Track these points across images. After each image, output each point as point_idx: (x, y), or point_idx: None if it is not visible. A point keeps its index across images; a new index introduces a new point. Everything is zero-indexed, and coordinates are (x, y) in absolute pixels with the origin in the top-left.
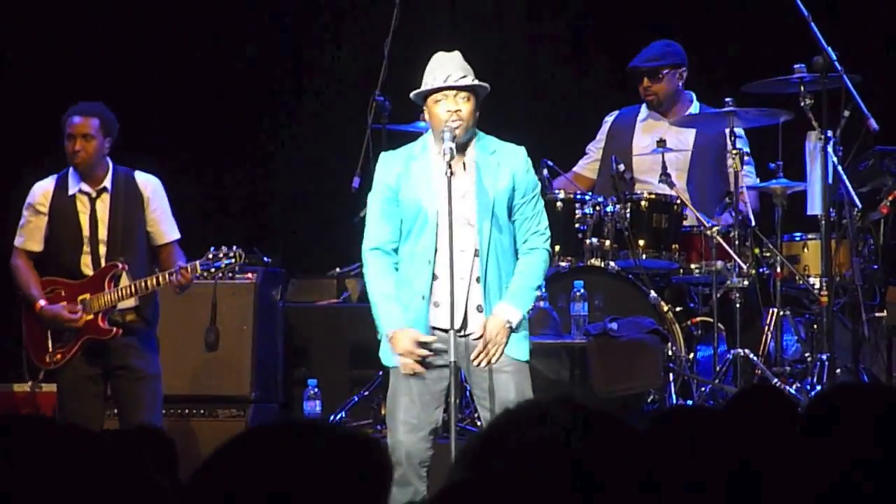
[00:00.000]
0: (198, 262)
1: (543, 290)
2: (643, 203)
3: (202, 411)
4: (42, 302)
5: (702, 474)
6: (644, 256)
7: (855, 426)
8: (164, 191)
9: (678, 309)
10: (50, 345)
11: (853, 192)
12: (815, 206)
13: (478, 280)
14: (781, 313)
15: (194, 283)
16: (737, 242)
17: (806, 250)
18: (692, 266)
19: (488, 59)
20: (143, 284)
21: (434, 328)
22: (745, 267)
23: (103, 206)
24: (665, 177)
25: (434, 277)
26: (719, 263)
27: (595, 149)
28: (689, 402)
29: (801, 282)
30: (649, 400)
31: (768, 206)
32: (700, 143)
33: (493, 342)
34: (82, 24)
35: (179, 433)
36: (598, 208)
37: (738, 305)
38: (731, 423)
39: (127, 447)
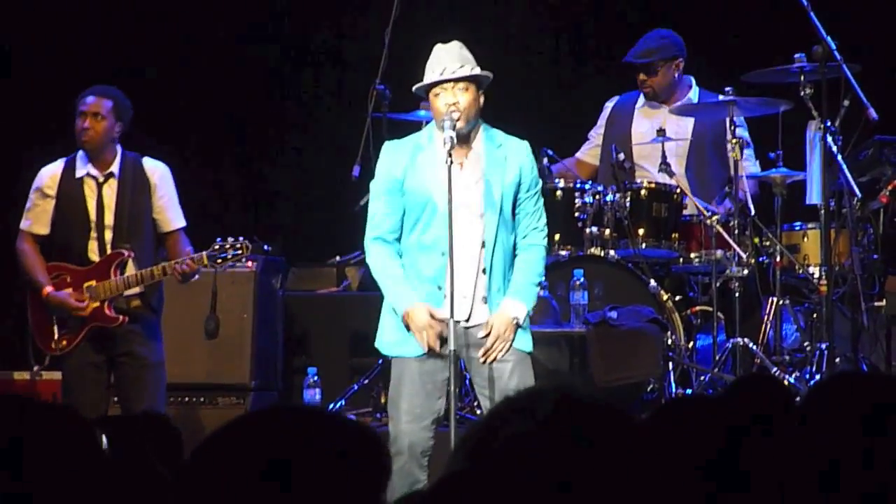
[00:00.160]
0: (205, 253)
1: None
2: (643, 192)
3: (202, 399)
4: (49, 288)
5: (693, 461)
6: (644, 245)
7: (852, 415)
8: (173, 178)
9: (678, 298)
10: (56, 331)
11: (853, 182)
12: (814, 196)
13: (484, 271)
14: (781, 302)
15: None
16: (736, 232)
17: (805, 240)
18: (692, 255)
19: (487, 47)
20: (149, 274)
21: (440, 319)
22: (744, 256)
23: (110, 191)
24: (665, 166)
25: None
26: (719, 252)
27: (596, 134)
28: (689, 391)
29: (800, 271)
30: (648, 389)
31: (768, 195)
32: (699, 130)
33: (501, 339)
34: (87, 17)
35: (179, 421)
36: (597, 197)
37: (737, 295)
38: (727, 411)
39: (126, 434)
